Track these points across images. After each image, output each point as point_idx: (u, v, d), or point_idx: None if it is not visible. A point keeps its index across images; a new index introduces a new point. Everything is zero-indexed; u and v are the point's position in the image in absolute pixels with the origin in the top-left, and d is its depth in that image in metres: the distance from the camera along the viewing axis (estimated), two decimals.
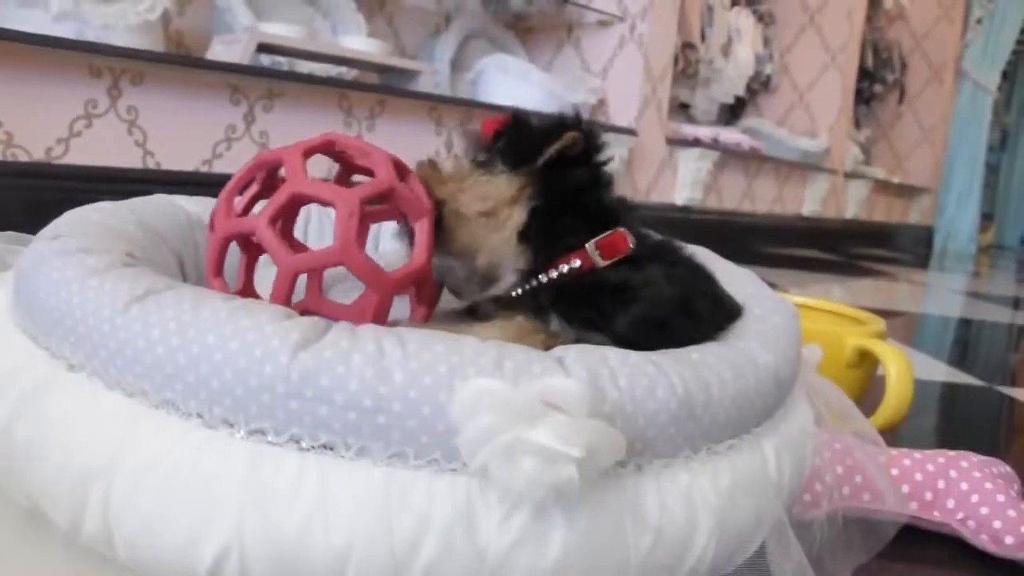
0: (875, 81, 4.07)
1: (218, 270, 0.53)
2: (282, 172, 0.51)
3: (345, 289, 0.54)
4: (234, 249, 0.54)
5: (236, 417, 0.39)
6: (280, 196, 0.49)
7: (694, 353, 0.46)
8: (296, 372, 0.38)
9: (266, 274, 0.51)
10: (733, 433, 0.45)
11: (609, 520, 0.39)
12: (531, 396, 0.35)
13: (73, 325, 0.43)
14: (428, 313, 0.56)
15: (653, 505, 0.40)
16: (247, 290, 0.55)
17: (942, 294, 2.91)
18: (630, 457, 0.40)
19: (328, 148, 0.54)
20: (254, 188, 0.54)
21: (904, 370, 0.87)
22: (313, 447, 0.38)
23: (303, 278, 0.50)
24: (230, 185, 0.54)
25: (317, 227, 0.76)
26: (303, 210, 0.71)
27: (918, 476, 0.70)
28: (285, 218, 0.54)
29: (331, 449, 0.38)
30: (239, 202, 0.54)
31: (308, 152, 0.52)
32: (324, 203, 0.50)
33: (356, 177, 0.56)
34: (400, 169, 0.54)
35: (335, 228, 0.48)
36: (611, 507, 0.39)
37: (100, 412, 0.41)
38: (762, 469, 0.47)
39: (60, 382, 0.43)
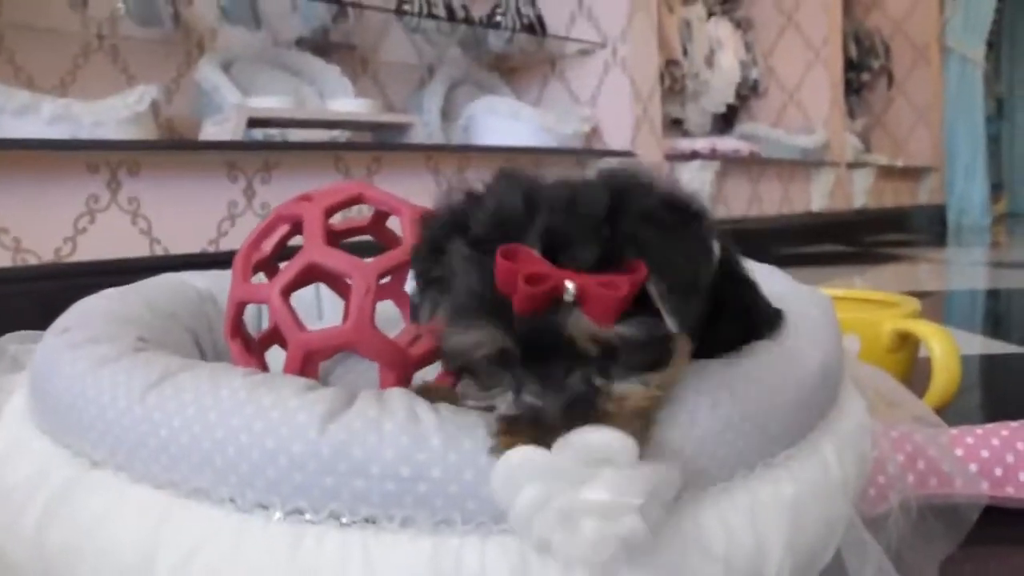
0: (862, 70, 4.07)
1: (235, 331, 0.52)
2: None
3: (350, 365, 0.52)
4: None
5: (270, 499, 0.37)
6: (295, 265, 0.48)
7: (736, 366, 0.44)
8: (327, 446, 0.36)
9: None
10: (790, 442, 0.43)
11: (673, 559, 0.37)
12: (573, 458, 0.33)
13: (91, 420, 0.42)
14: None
15: (717, 534, 0.38)
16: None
17: (965, 268, 2.86)
18: (683, 490, 0.37)
19: (354, 203, 0.53)
20: (284, 229, 0.53)
21: (948, 346, 0.84)
22: (354, 522, 0.36)
23: None
24: (247, 244, 0.52)
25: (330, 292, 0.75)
26: None
27: (984, 453, 0.67)
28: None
29: (373, 522, 0.36)
30: (268, 245, 0.53)
31: (331, 210, 0.51)
32: (341, 275, 0.48)
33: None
34: None
35: (350, 305, 0.46)
36: (673, 546, 0.37)
37: (130, 508, 0.40)
38: (825, 473, 0.45)
39: (85, 481, 0.42)
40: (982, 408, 1.08)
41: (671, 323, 0.35)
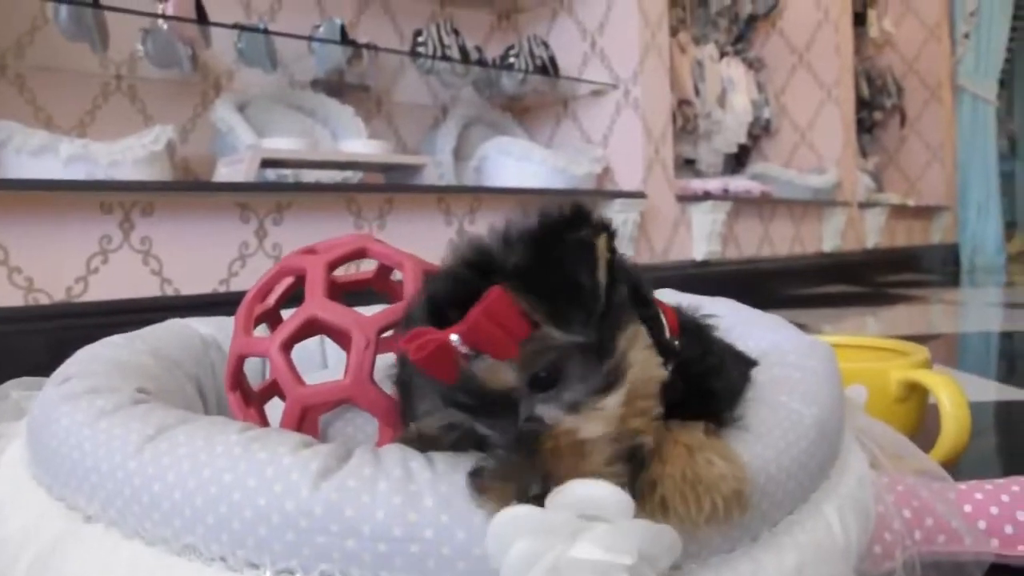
0: (874, 109, 4.08)
1: (234, 384, 0.52)
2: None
3: (349, 418, 0.52)
4: None
5: (261, 558, 0.36)
6: (296, 319, 0.48)
7: (732, 432, 0.43)
8: (319, 505, 0.36)
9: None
10: (792, 507, 0.42)
11: None
12: (566, 512, 0.33)
13: (86, 473, 0.42)
14: None
15: None
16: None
17: (979, 310, 2.83)
18: (684, 559, 0.37)
19: (358, 257, 0.53)
20: (287, 282, 0.53)
21: (957, 397, 0.83)
22: None
23: None
24: (249, 297, 0.53)
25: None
26: None
27: (994, 510, 0.66)
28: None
29: None
30: (271, 298, 0.53)
31: (334, 264, 0.51)
32: (341, 330, 0.49)
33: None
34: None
35: (349, 359, 0.46)
36: None
37: (120, 565, 0.39)
38: (828, 536, 0.44)
39: (77, 536, 0.42)
40: (997, 457, 1.06)
41: (553, 331, 0.35)
